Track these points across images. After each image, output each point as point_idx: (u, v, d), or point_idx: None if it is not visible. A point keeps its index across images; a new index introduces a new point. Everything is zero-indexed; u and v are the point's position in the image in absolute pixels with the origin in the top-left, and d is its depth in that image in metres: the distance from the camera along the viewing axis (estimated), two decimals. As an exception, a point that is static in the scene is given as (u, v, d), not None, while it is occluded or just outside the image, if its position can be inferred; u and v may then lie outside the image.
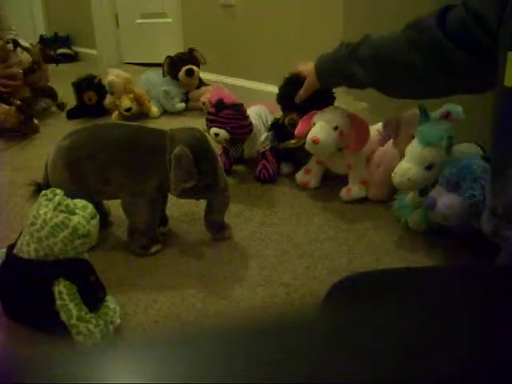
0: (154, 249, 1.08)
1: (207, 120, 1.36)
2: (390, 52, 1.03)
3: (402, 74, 1.02)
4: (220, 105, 1.33)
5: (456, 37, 0.89)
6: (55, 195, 0.82)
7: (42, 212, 0.79)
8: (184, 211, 1.26)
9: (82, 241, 0.80)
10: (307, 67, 1.28)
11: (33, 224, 0.80)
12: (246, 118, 1.35)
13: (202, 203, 1.11)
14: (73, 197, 1.04)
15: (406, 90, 1.07)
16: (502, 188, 0.68)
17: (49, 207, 0.79)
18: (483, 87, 0.89)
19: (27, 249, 0.81)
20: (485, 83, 0.82)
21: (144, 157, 1.02)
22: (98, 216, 0.84)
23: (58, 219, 0.78)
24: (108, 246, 1.12)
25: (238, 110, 1.33)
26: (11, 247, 0.85)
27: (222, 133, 1.33)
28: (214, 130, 1.33)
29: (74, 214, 0.80)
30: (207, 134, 1.14)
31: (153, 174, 1.02)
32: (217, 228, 1.12)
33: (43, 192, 0.83)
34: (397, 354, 0.29)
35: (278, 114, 1.49)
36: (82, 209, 0.82)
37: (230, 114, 1.32)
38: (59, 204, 0.80)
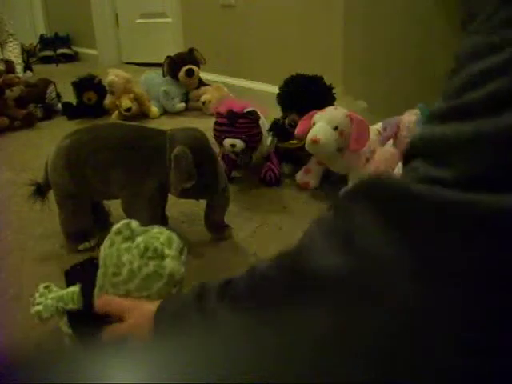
0: (154, 249, 1.07)
1: (218, 131, 1.32)
2: None
3: None
4: (233, 114, 1.30)
5: None
6: (132, 231, 0.68)
7: (125, 260, 0.66)
8: (184, 211, 1.26)
9: (178, 287, 0.68)
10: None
11: (115, 275, 0.67)
12: (258, 125, 1.34)
13: (202, 203, 1.11)
14: (73, 197, 1.05)
15: None
16: None
17: (133, 253, 0.66)
18: None
19: None
20: None
21: (144, 157, 1.02)
22: (184, 247, 0.73)
23: (150, 269, 0.66)
24: (108, 246, 1.12)
25: (253, 118, 1.31)
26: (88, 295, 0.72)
27: (239, 143, 1.30)
28: (229, 140, 1.29)
29: (164, 257, 0.68)
30: (206, 135, 1.14)
31: (153, 174, 1.02)
32: (217, 228, 1.12)
33: (115, 228, 0.68)
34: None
35: (268, 115, 1.48)
36: (168, 245, 0.69)
37: (244, 122, 1.30)
38: (146, 249, 0.67)
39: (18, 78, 2.23)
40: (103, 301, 0.67)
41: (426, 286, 0.31)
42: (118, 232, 0.68)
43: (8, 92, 2.05)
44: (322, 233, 0.39)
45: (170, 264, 0.67)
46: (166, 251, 0.68)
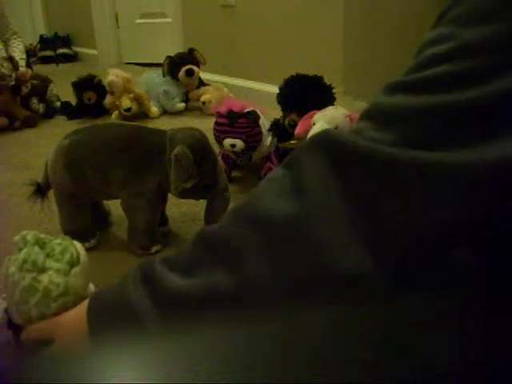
0: (153, 249, 1.08)
1: (218, 131, 1.32)
2: None
3: None
4: (233, 115, 1.30)
5: None
6: (26, 242, 0.66)
7: (10, 272, 0.64)
8: (184, 211, 1.26)
9: (61, 301, 0.64)
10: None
11: (5, 286, 0.65)
12: (258, 124, 1.34)
13: (202, 203, 1.11)
14: (73, 197, 1.05)
15: None
16: None
17: (15, 265, 0.64)
18: None
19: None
20: None
21: (144, 157, 1.02)
22: (83, 259, 0.68)
23: (26, 282, 0.63)
24: (108, 245, 1.12)
25: (253, 118, 1.31)
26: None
27: (239, 143, 1.30)
28: (229, 140, 1.29)
29: (44, 270, 0.64)
30: (206, 135, 1.14)
31: (153, 174, 1.02)
32: (217, 228, 1.12)
33: (16, 239, 0.66)
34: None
35: (269, 115, 1.48)
36: (57, 257, 0.65)
37: (244, 122, 1.29)
38: (25, 262, 0.63)
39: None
40: (24, 333, 0.65)
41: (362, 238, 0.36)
42: (15, 243, 0.66)
43: (24, 89, 2.06)
44: (271, 181, 0.43)
45: (46, 278, 0.63)
46: (50, 264, 0.64)
